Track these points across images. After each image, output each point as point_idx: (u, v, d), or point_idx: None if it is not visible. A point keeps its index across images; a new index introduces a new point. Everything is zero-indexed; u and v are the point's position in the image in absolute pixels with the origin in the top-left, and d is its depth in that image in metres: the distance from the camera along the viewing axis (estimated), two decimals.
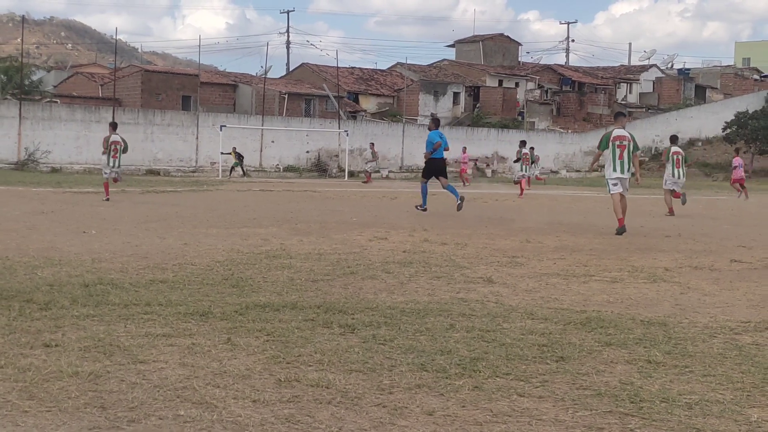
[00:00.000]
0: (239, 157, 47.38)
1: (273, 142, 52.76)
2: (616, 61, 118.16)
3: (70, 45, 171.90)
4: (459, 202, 19.75)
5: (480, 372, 5.35)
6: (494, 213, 21.11)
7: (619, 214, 15.45)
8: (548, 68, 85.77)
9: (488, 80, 78.50)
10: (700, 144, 72.53)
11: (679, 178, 23.27)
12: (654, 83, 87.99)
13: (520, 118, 75.43)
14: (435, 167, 20.50)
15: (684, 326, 6.99)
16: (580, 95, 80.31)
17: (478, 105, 75.05)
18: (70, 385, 4.87)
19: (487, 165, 59.30)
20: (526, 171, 33.53)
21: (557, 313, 7.45)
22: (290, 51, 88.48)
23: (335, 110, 61.64)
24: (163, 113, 51.10)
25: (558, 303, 8.04)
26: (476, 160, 55.97)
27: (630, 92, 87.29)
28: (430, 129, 21.21)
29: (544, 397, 4.89)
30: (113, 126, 23.56)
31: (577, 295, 8.55)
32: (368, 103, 71.43)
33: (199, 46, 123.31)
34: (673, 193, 23.00)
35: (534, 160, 37.96)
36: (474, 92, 76.37)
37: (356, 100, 70.82)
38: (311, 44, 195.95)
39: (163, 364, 5.42)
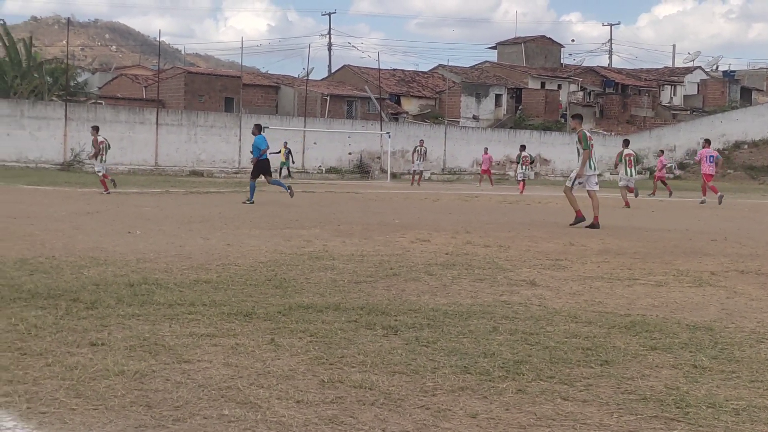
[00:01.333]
0: (288, 155, 47.55)
1: (315, 143, 52.96)
2: (659, 63, 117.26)
3: (114, 47, 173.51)
4: (289, 191, 23.40)
5: (524, 375, 5.32)
6: (537, 215, 21.01)
7: (577, 206, 17.11)
8: (591, 70, 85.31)
9: (530, 82, 78.20)
10: (746, 147, 71.62)
11: (631, 176, 28.16)
12: (698, 85, 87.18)
13: (562, 120, 75.01)
14: (262, 168, 23.73)
15: (730, 331, 6.91)
16: (623, 97, 79.75)
17: (520, 107, 74.80)
18: (116, 384, 4.91)
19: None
20: (525, 171, 38.73)
21: (601, 316, 7.39)
22: (332, 53, 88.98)
23: (377, 112, 61.70)
24: (206, 115, 51.48)
25: (602, 306, 7.97)
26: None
27: (674, 94, 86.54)
28: (254, 134, 24.25)
29: (588, 401, 4.85)
30: (96, 129, 26.54)
31: (622, 299, 8.48)
32: (410, 105, 71.45)
33: (242, 47, 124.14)
34: (629, 189, 27.70)
35: (533, 161, 42.65)
36: (516, 94, 76.12)
37: (398, 102, 70.87)
38: (352, 46, 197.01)
39: (208, 363, 5.45)
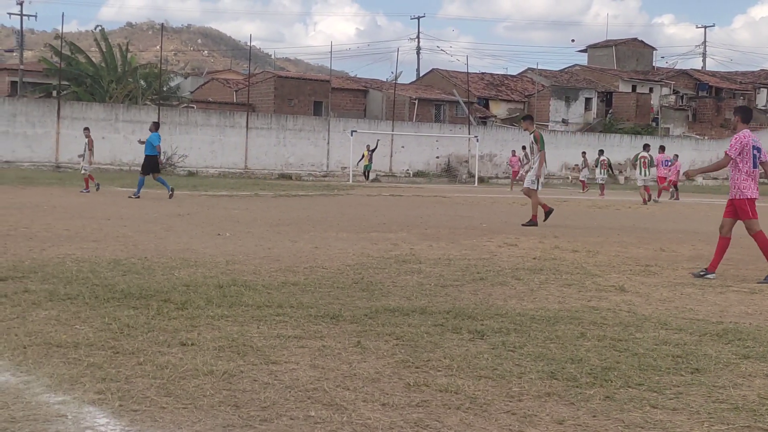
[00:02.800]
0: (371, 158, 47.82)
1: (403, 147, 53.04)
2: (755, 66, 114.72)
3: (206, 52, 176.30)
4: (170, 192, 23.36)
5: (612, 382, 5.25)
6: (626, 221, 20.72)
7: (535, 211, 17.61)
8: (684, 73, 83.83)
9: (621, 85, 77.18)
10: None
11: (646, 176, 30.52)
12: None
13: (654, 124, 73.91)
14: (152, 164, 24.46)
15: None
16: (717, 101, 78.21)
17: (610, 111, 73.90)
18: (205, 383, 4.99)
19: (620, 172, 58.21)
20: (604, 175, 39.10)
21: (692, 323, 7.26)
22: (420, 56, 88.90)
23: (465, 116, 61.56)
24: (295, 118, 51.96)
25: (693, 313, 7.83)
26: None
27: None
28: (151, 131, 24.91)
29: (678, 410, 4.77)
30: (88, 129, 27.87)
31: (714, 306, 8.31)
32: (498, 109, 71.13)
33: (331, 52, 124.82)
34: (645, 189, 30.09)
35: (611, 165, 42.56)
36: (606, 98, 75.22)
37: (486, 106, 70.62)
38: (441, 50, 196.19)
39: (295, 365, 5.50)
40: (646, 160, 30.70)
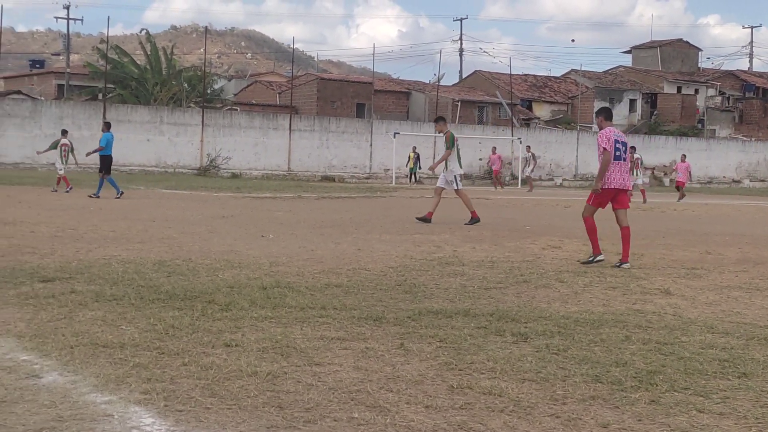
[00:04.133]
0: (417, 160, 47.93)
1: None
2: None
3: (249, 54, 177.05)
4: (119, 194, 23.14)
5: (657, 385, 5.21)
6: (672, 223, 20.53)
7: (471, 208, 17.97)
8: (730, 74, 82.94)
9: (666, 87, 76.54)
10: None
11: (637, 176, 31.35)
12: None
13: (699, 125, 73.19)
14: (109, 163, 24.67)
15: None
16: (764, 102, 77.24)
17: (655, 112, 73.30)
18: (249, 384, 5.01)
19: (665, 174, 57.68)
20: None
21: (739, 327, 7.18)
22: (463, 58, 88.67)
23: (508, 117, 61.36)
24: (338, 120, 52.09)
25: (740, 317, 7.74)
26: (653, 168, 54.45)
27: None
28: (103, 131, 25.37)
29: (725, 414, 4.72)
30: (64, 132, 28.40)
31: (761, 310, 8.21)
32: (541, 111, 70.84)
33: (374, 54, 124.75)
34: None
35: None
36: (651, 99, 74.63)
37: (529, 108, 70.35)
38: (484, 51, 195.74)
39: (338, 366, 5.51)
40: (639, 162, 32.35)
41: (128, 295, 7.75)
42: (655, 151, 58.37)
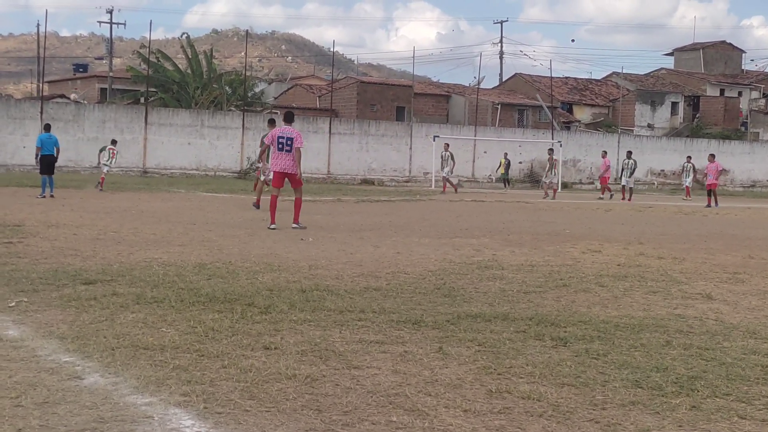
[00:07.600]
0: (508, 166, 47.95)
1: (485, 152, 52.79)
2: None
3: (289, 58, 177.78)
4: (43, 196, 23.36)
5: (698, 391, 5.16)
6: (714, 227, 20.34)
7: (259, 197, 21.06)
8: None
9: (709, 89, 75.82)
10: None
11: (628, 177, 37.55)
12: None
13: (742, 128, 72.39)
14: (49, 162, 25.05)
15: None
16: None
17: (697, 115, 72.62)
18: (287, 387, 5.03)
19: (705, 175, 57.09)
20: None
21: None
22: (503, 61, 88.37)
23: (548, 121, 61.08)
24: (378, 124, 52.09)
25: None
26: (696, 171, 53.89)
27: None
28: (45, 131, 26.49)
29: (767, 421, 4.67)
30: (114, 142, 30.89)
31: None
32: (582, 114, 70.43)
33: (413, 57, 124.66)
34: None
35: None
36: (693, 102, 73.95)
37: (570, 111, 69.98)
38: (524, 54, 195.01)
39: (377, 370, 5.52)
40: (632, 165, 38.49)
41: (169, 297, 7.81)
42: (698, 155, 57.66)
